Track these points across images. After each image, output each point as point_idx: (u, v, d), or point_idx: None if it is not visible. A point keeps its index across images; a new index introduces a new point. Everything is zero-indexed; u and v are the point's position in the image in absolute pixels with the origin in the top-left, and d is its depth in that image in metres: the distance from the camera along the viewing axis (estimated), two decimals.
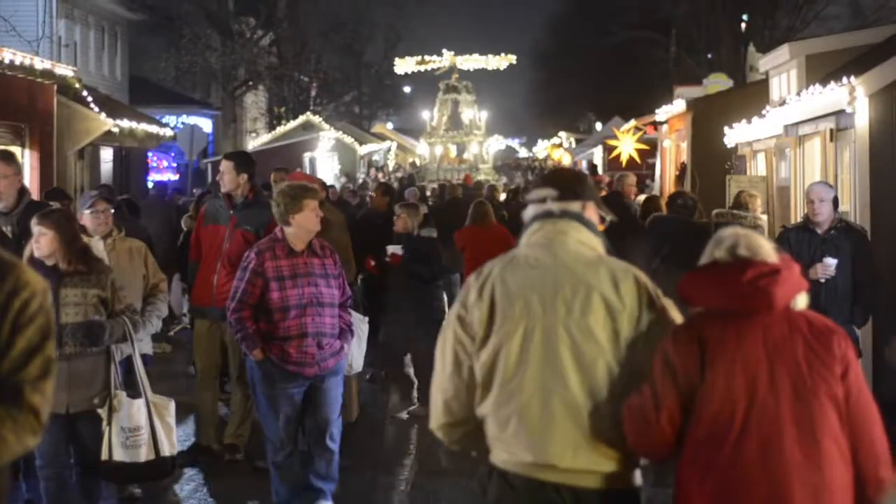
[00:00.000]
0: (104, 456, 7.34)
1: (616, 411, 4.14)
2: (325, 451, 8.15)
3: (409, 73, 54.47)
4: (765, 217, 11.31)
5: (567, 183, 4.54)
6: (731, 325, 4.13)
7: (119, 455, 7.36)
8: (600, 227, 4.49)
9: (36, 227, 7.22)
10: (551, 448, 4.14)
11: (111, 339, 7.27)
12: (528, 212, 4.54)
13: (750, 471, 3.98)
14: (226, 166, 10.13)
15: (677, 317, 4.34)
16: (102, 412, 7.32)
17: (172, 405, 7.73)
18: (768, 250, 4.29)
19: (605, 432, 4.15)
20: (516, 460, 4.20)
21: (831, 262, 9.15)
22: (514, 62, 53.63)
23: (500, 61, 52.66)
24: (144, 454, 7.45)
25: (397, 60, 53.47)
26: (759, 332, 4.11)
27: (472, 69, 52.50)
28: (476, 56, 52.41)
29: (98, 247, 8.38)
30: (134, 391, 7.49)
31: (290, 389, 8.02)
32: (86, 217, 8.69)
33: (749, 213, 11.25)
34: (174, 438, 7.68)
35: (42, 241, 7.20)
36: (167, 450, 7.59)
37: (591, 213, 4.49)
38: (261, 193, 10.25)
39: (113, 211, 8.94)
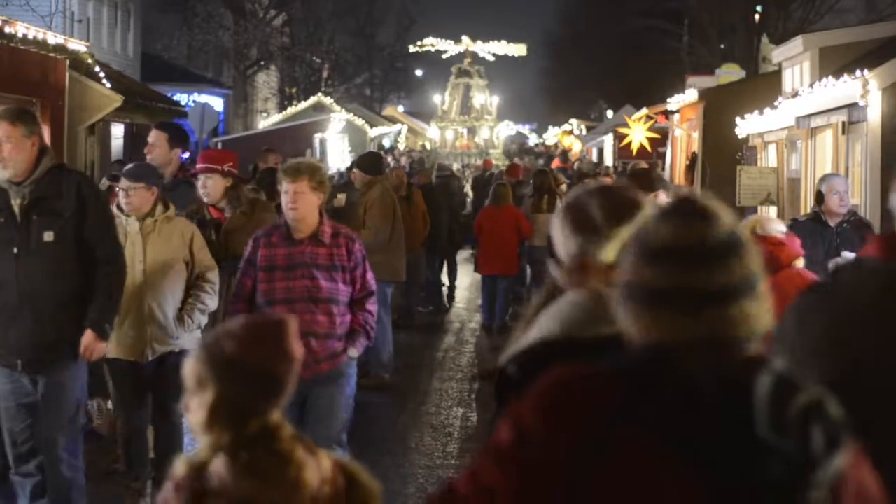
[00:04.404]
0: None
1: None
2: None
3: (424, 55, 54.53)
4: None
5: (645, 181, 6.98)
6: None
7: None
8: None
9: None
10: None
11: None
12: None
13: None
14: (158, 138, 9.05)
15: None
16: None
17: None
18: (777, 229, 6.54)
19: None
20: None
21: (850, 256, 9.10)
22: (525, 53, 53.66)
23: (513, 49, 52.72)
24: None
25: (413, 46, 53.53)
26: (769, 284, 5.50)
27: (488, 54, 52.54)
28: (493, 44, 52.47)
29: (131, 227, 7.55)
30: None
31: None
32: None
33: None
34: None
35: None
36: None
37: (662, 197, 6.62)
38: (188, 171, 9.33)
39: (140, 188, 7.66)
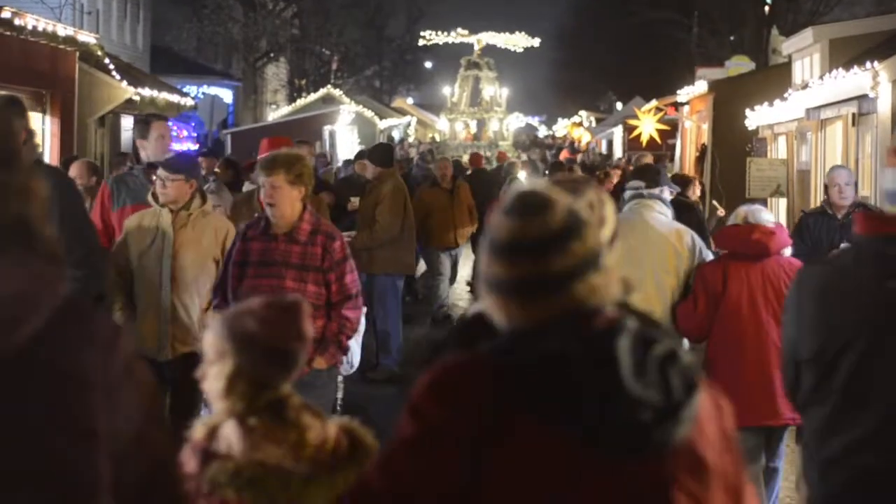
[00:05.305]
0: None
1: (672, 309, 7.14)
2: None
3: (432, 47, 54.47)
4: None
5: (650, 176, 7.71)
6: (743, 262, 7.00)
7: None
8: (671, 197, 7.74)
9: None
10: None
11: None
12: (627, 194, 7.60)
13: (747, 339, 6.89)
14: (166, 130, 8.58)
15: (710, 256, 7.44)
16: None
17: None
18: (767, 219, 7.14)
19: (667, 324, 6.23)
20: None
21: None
22: (536, 45, 53.66)
23: (523, 41, 52.74)
24: None
25: (423, 35, 53.48)
26: (759, 267, 6.97)
27: (513, 46, 52.56)
28: (505, 35, 52.49)
29: (163, 219, 7.37)
30: None
31: None
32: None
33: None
34: None
35: None
36: None
37: (666, 192, 7.63)
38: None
39: (174, 180, 7.42)
